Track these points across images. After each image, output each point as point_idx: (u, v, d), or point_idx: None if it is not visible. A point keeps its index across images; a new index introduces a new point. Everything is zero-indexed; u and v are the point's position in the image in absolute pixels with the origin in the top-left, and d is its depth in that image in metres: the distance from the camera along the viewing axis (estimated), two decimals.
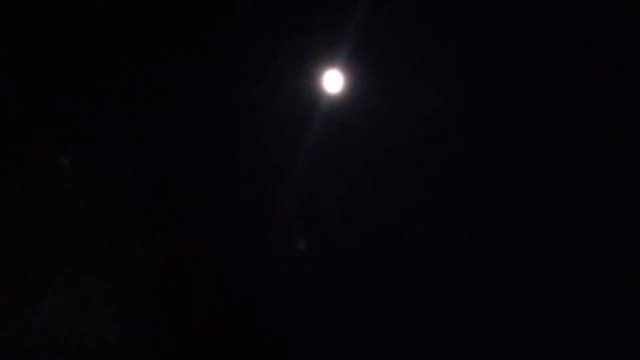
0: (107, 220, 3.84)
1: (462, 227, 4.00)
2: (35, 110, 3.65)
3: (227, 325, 4.00)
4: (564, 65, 3.84)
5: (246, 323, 4.03)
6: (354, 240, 4.03)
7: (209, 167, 3.96)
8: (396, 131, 3.91)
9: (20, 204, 3.69)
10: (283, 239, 3.99)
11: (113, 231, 3.86)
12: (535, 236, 4.00)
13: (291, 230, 3.99)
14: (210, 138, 3.90)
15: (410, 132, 3.91)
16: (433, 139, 3.91)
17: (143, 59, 3.72)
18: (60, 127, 3.70)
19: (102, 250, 3.87)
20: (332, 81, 3.89)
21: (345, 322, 4.06)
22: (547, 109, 3.88)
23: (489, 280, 4.00)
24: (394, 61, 3.89)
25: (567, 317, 4.05)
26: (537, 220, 4.00)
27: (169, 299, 3.96)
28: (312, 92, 3.89)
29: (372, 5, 3.78)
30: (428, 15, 3.85)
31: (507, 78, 3.84)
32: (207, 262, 3.98)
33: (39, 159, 3.71)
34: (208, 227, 3.96)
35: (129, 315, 3.95)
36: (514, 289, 4.01)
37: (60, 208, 3.79)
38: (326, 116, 3.89)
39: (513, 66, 3.84)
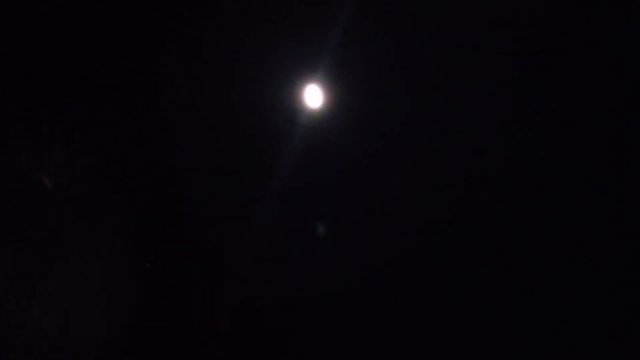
0: (93, 219, 3.93)
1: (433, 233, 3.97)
2: (23, 113, 3.78)
3: (207, 322, 4.03)
4: (538, 61, 3.81)
5: (226, 320, 4.05)
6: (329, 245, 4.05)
7: (189, 174, 4.02)
8: (373, 143, 3.95)
9: (12, 204, 3.81)
10: (263, 241, 4.02)
11: (99, 231, 3.95)
12: (520, 229, 3.93)
13: (272, 233, 4.03)
14: (190, 148, 3.97)
15: (387, 145, 3.93)
16: (410, 151, 3.92)
17: (117, 65, 3.81)
18: (42, 128, 3.82)
19: (92, 251, 3.97)
20: (312, 96, 3.95)
21: (323, 320, 4.04)
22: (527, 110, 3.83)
23: (470, 277, 3.93)
24: (373, 75, 3.93)
25: (558, 310, 3.94)
26: (522, 216, 3.93)
27: (156, 298, 4.02)
28: (292, 106, 3.95)
29: (353, 20, 3.83)
30: (408, 30, 3.88)
31: (481, 89, 3.84)
32: (189, 262, 4.03)
33: (30, 160, 3.83)
34: (188, 230, 4.02)
35: (121, 315, 4.02)
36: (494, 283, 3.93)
37: (52, 208, 3.90)
38: (306, 130, 3.95)
39: (487, 76, 3.84)
